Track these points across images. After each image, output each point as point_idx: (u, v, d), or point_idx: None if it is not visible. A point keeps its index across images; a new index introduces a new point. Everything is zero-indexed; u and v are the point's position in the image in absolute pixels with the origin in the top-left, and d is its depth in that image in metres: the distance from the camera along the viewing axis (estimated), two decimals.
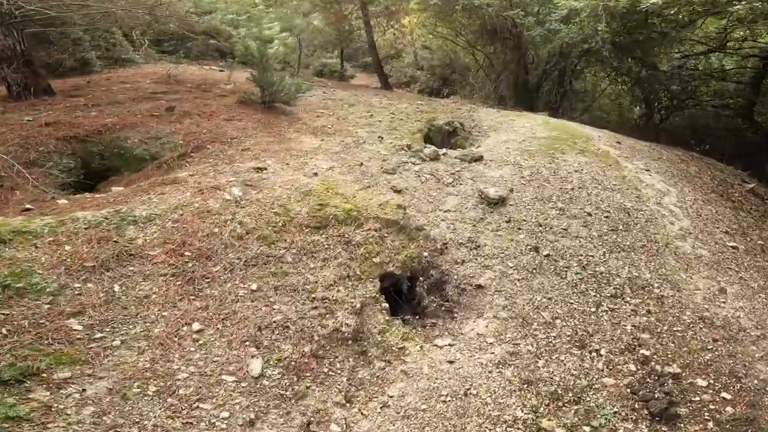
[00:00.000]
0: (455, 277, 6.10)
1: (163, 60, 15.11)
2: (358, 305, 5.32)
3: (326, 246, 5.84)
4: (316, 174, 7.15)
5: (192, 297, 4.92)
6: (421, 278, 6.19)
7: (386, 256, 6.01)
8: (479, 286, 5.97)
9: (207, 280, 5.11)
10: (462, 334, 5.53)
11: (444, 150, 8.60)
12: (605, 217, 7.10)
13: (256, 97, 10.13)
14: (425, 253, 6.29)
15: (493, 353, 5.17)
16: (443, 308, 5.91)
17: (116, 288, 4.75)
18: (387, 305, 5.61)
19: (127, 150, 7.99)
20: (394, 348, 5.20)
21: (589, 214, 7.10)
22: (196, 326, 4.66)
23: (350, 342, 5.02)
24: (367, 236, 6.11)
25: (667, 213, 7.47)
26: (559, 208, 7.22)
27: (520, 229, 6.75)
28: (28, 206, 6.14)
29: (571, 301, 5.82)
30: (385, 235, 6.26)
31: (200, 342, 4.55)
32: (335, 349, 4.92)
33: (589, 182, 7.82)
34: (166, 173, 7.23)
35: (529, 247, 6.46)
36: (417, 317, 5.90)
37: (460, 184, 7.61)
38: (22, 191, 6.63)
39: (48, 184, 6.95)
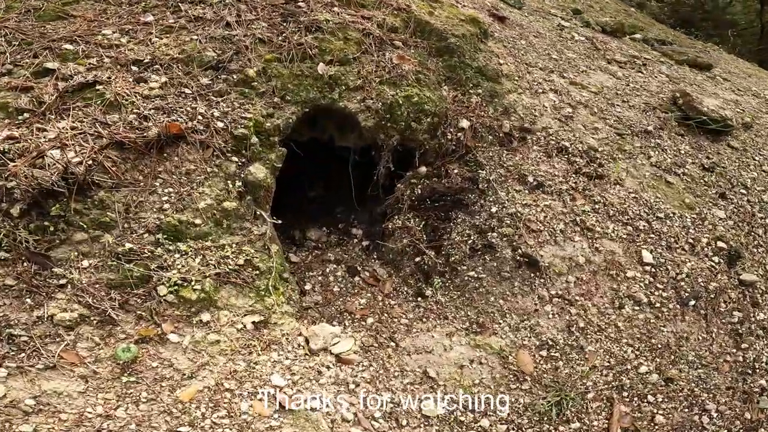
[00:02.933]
0: (493, 208, 2.36)
1: None
2: (152, 133, 1.91)
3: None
4: None
5: None
6: (423, 168, 2.52)
7: (354, 75, 2.38)
8: (530, 260, 2.20)
9: None
10: (398, 347, 1.93)
11: (639, 34, 4.36)
12: None
13: None
14: (464, 123, 2.56)
15: None
16: (418, 261, 2.29)
17: None
18: (266, 171, 2.11)
19: None
20: (191, 303, 1.77)
21: None
22: None
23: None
24: (345, 24, 2.52)
25: None
26: None
27: (723, 196, 2.67)
28: None
29: None
30: (397, 43, 2.60)
31: None
32: None
33: None
34: None
35: (720, 244, 2.44)
36: (347, 238, 2.37)
37: (639, 71, 3.50)
38: None
39: None
